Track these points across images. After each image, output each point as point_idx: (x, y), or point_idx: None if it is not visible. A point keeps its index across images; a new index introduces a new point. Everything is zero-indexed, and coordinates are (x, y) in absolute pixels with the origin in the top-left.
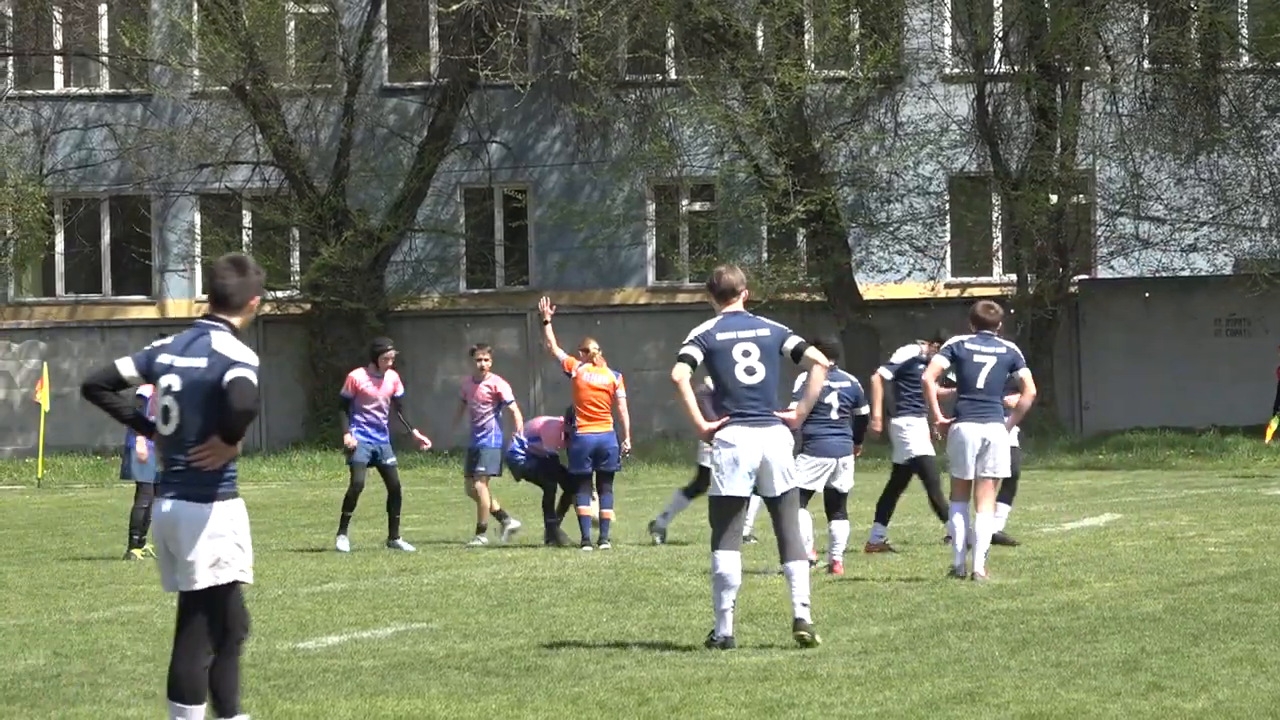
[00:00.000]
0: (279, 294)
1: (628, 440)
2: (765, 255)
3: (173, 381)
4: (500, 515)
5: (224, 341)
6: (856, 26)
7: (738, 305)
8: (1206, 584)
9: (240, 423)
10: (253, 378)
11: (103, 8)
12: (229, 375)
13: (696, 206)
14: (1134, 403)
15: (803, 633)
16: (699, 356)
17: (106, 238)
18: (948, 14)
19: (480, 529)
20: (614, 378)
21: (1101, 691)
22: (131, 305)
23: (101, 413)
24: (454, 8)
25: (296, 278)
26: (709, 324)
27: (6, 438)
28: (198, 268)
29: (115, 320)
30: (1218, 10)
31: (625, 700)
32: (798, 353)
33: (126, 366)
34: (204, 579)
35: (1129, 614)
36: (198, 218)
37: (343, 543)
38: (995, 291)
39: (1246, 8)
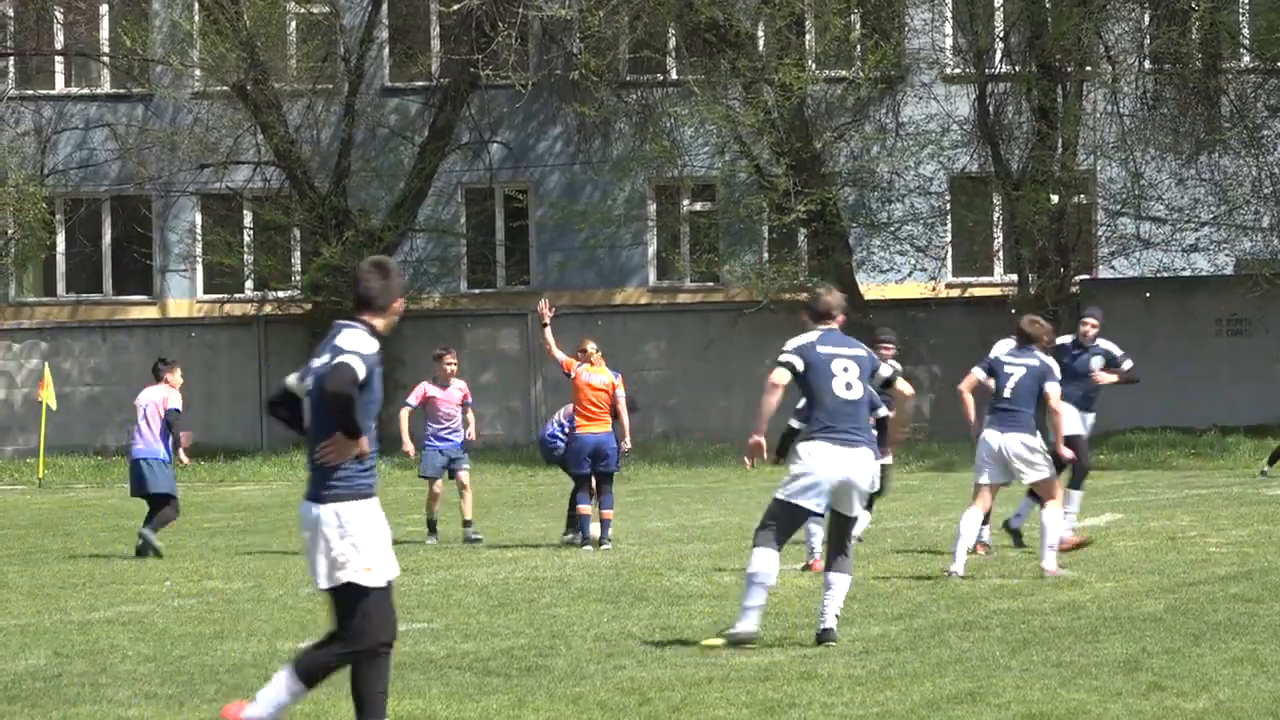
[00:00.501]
0: (280, 294)
1: (628, 439)
2: (766, 255)
3: (310, 382)
4: (433, 525)
5: (347, 336)
6: (857, 27)
7: (834, 325)
8: (1207, 584)
9: (333, 406)
10: (354, 364)
11: (104, 8)
12: (333, 361)
13: (697, 206)
14: (1134, 403)
15: (829, 644)
16: (800, 366)
17: (107, 238)
18: (948, 14)
19: (466, 523)
20: (613, 378)
21: (1102, 691)
22: (132, 305)
23: (102, 413)
24: (455, 7)
25: (297, 278)
26: (810, 336)
27: (7, 438)
28: (199, 268)
29: (116, 320)
30: (1219, 10)
31: (626, 700)
32: (889, 382)
33: (292, 379)
34: (323, 580)
35: (1130, 614)
36: (199, 218)
37: None
38: (996, 292)
39: (1247, 8)
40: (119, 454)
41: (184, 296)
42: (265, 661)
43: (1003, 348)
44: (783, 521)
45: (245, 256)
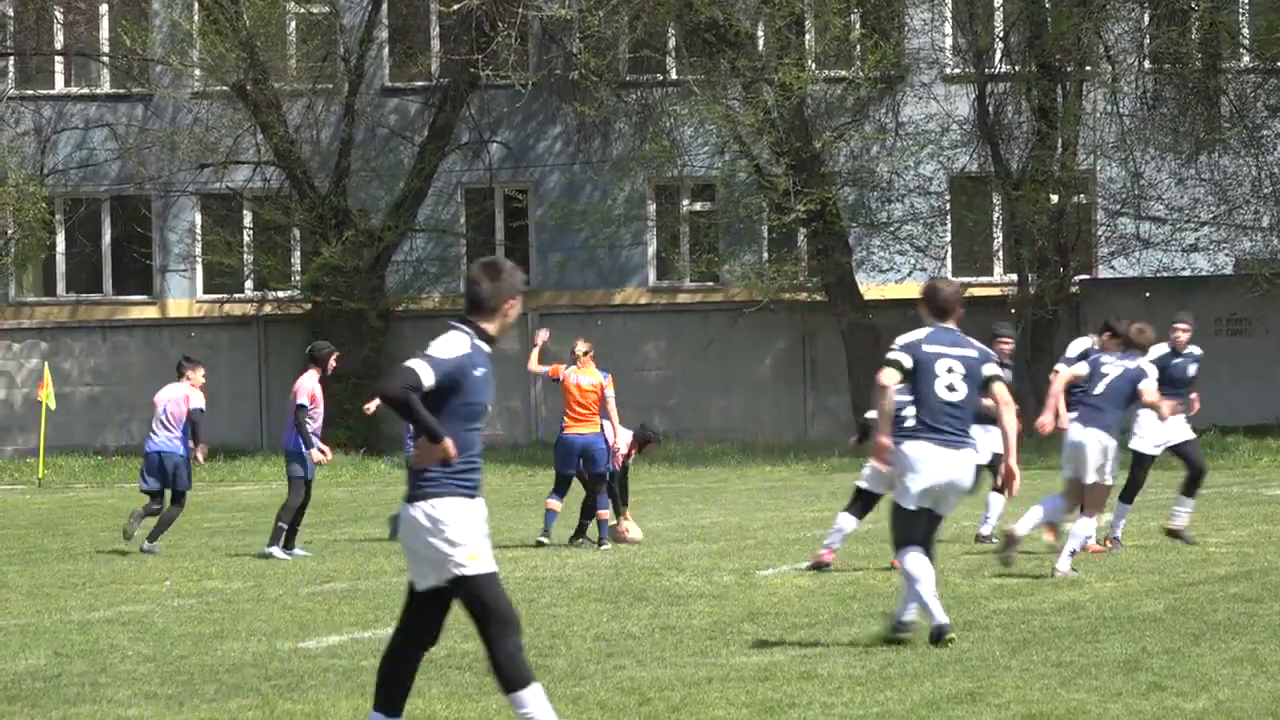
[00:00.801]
0: (279, 294)
1: (616, 440)
2: (766, 255)
3: None
4: None
5: (439, 339)
6: (857, 26)
7: (950, 323)
8: (1207, 584)
9: (391, 408)
10: (417, 368)
11: (103, 8)
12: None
13: (697, 206)
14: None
15: (949, 639)
16: (908, 364)
17: (107, 237)
18: (948, 14)
19: None
20: (601, 378)
21: (1102, 691)
22: (132, 305)
23: (102, 413)
24: (455, 7)
25: (297, 278)
26: (919, 334)
27: (7, 438)
28: (198, 268)
29: (116, 320)
30: (1218, 10)
31: (625, 700)
32: (987, 381)
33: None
34: (422, 580)
35: (1130, 614)
36: (198, 218)
37: (281, 551)
38: (996, 292)
39: (1247, 8)
40: (119, 454)
41: (184, 296)
42: (265, 661)
43: (1077, 348)
44: (907, 527)
45: (245, 256)
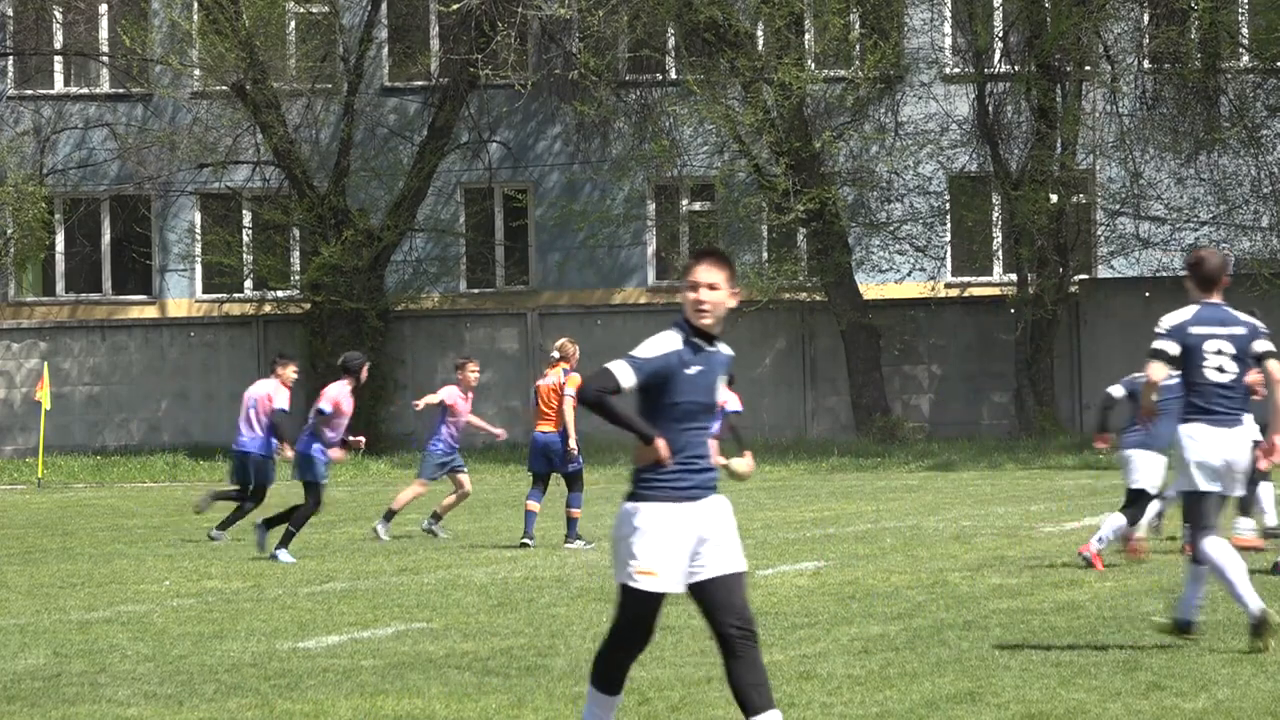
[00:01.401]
0: (279, 293)
1: (572, 440)
2: (765, 255)
3: None
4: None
5: (648, 340)
6: (857, 26)
7: (1217, 297)
8: (1207, 583)
9: (590, 411)
10: (616, 368)
11: (103, 7)
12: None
13: (697, 206)
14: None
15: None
16: (1175, 351)
17: (107, 237)
18: (948, 14)
19: (438, 517)
20: (561, 379)
21: (1102, 691)
22: (132, 305)
23: (101, 413)
24: (454, 7)
25: (297, 277)
26: (1184, 314)
27: (6, 438)
28: (198, 267)
29: (115, 320)
30: (1218, 10)
31: (625, 700)
32: (1260, 358)
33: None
34: (618, 575)
35: (1129, 614)
36: (198, 217)
37: (286, 555)
38: (995, 291)
39: (1246, 8)
40: (118, 454)
41: (183, 296)
42: (264, 661)
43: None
44: (1199, 512)
45: (245, 256)
